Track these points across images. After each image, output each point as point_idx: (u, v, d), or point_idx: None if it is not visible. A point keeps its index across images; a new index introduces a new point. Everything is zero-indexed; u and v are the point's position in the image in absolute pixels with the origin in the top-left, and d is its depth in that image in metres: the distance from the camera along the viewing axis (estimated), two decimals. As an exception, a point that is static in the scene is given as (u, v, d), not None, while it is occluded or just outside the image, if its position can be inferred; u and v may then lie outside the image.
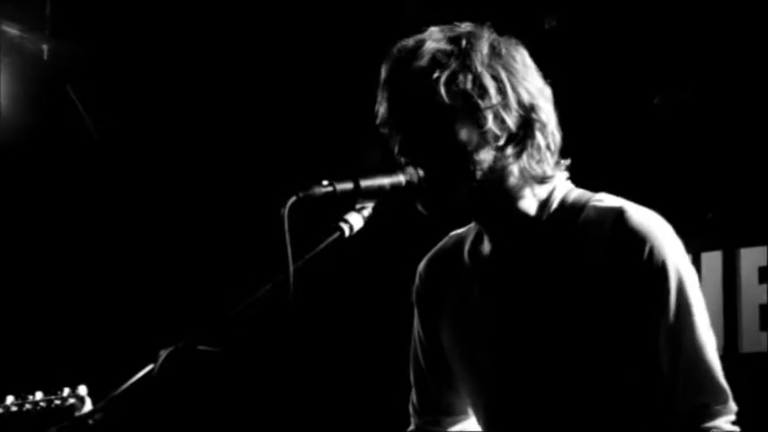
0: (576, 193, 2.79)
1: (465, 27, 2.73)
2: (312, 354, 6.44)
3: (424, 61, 2.64)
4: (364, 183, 2.59)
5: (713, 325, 5.79)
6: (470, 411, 3.05)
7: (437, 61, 2.64)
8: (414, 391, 3.10)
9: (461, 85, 2.63)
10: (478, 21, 2.76)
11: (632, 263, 2.65)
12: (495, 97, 2.64)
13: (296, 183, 2.50)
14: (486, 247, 2.84)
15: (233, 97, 6.68)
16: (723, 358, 5.05)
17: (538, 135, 2.69)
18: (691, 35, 5.48)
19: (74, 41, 6.37)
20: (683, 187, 5.61)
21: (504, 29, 2.77)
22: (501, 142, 2.66)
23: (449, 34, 2.70)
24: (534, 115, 2.68)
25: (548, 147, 2.72)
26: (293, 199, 2.45)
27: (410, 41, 2.70)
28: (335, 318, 6.28)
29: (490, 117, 2.64)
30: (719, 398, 2.70)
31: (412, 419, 3.13)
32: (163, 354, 2.38)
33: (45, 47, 6.33)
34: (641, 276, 2.65)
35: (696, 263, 5.62)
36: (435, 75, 2.63)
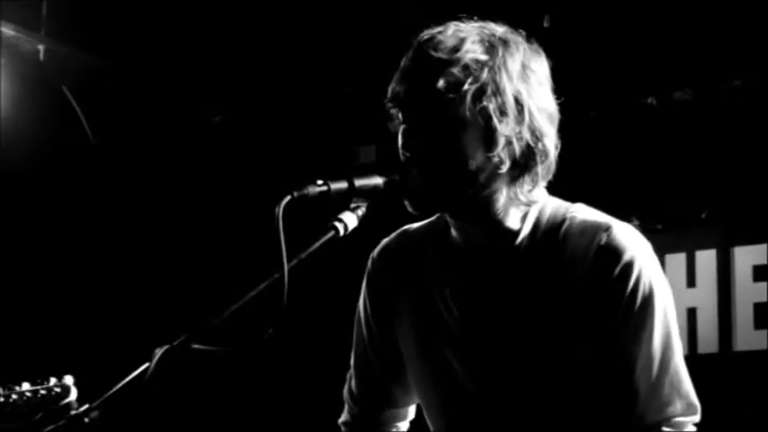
0: (553, 205, 2.77)
1: (501, 33, 2.68)
2: (306, 352, 6.45)
3: (458, 68, 2.60)
4: (359, 182, 2.60)
5: (708, 323, 5.82)
6: (409, 404, 3.03)
7: (470, 72, 2.60)
8: (354, 377, 3.05)
9: (486, 103, 2.60)
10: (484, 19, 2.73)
11: (619, 285, 2.64)
12: (511, 124, 2.62)
13: (291, 182, 2.50)
14: (460, 248, 2.80)
15: (229, 97, 6.68)
16: (717, 357, 5.08)
17: (538, 165, 2.68)
18: (685, 34, 5.48)
19: (71, 42, 6.37)
20: (677, 186, 5.62)
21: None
22: (503, 169, 2.65)
23: (486, 38, 2.65)
24: (540, 145, 2.66)
25: (543, 176, 2.71)
26: (288, 198, 2.46)
27: (447, 38, 2.64)
28: (330, 316, 6.29)
29: (501, 142, 2.62)
30: (688, 410, 2.70)
31: (346, 407, 3.08)
32: (158, 352, 2.39)
33: (41, 47, 6.32)
34: (628, 299, 2.64)
35: (690, 261, 5.64)
36: (465, 87, 2.59)
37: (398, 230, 2.99)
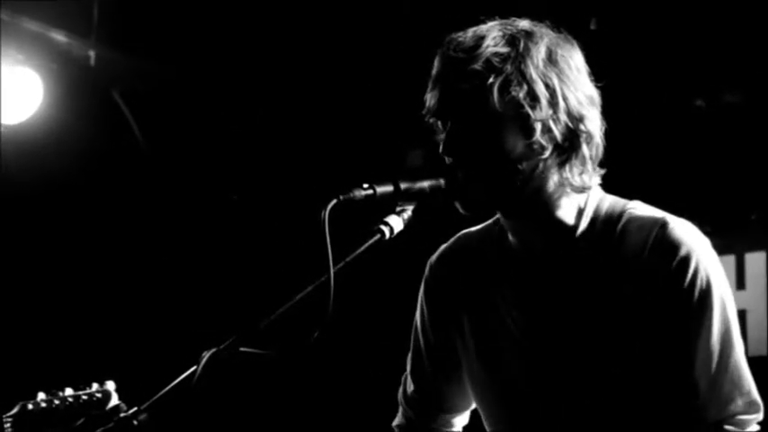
0: (610, 201, 2.77)
1: (524, 25, 2.70)
2: (352, 356, 6.46)
3: (479, 64, 2.62)
4: (404, 185, 2.61)
5: (758, 326, 5.77)
6: (464, 409, 3.04)
7: (492, 65, 2.62)
8: (410, 382, 3.06)
9: (514, 93, 2.61)
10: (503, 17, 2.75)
11: (677, 279, 2.64)
12: (545, 109, 2.62)
13: (336, 186, 2.51)
14: (517, 250, 2.81)
15: (273, 103, 6.71)
16: (767, 359, 4.99)
17: (583, 146, 2.68)
18: (734, 36, 5.45)
19: (121, 48, 6.42)
20: (726, 189, 5.59)
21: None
22: (546, 154, 2.65)
23: (507, 32, 2.67)
24: (582, 126, 2.66)
25: (591, 158, 2.70)
26: (334, 202, 2.48)
27: (468, 38, 2.67)
28: (376, 319, 6.30)
29: (538, 128, 2.62)
30: (750, 409, 2.69)
31: (400, 410, 3.09)
32: (205, 355, 2.40)
33: (92, 53, 6.37)
34: (686, 293, 2.63)
35: (740, 264, 5.60)
36: (489, 81, 2.61)
37: (457, 235, 3.00)
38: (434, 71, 2.71)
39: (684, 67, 5.59)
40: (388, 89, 6.11)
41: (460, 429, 3.10)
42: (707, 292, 2.64)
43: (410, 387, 3.06)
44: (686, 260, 2.64)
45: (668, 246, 2.65)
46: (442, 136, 2.70)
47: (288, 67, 6.48)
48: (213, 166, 6.87)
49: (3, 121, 6.12)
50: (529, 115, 2.62)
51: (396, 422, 3.12)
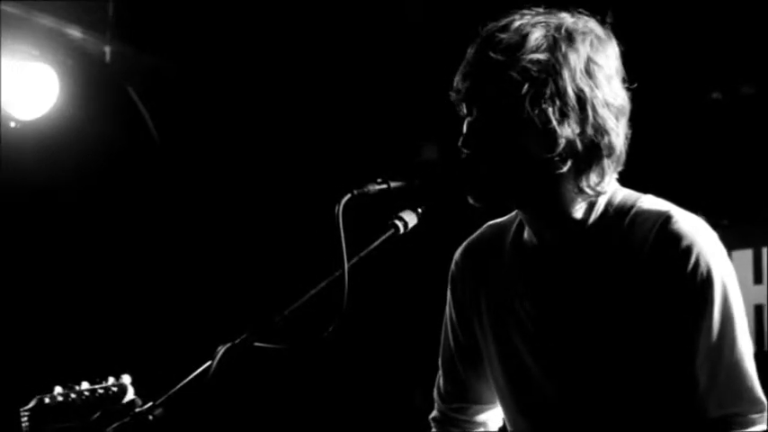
0: (623, 195, 2.76)
1: (567, 24, 2.65)
2: (367, 350, 6.46)
3: (516, 71, 2.58)
4: (418, 180, 2.61)
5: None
6: (494, 402, 3.03)
7: (529, 75, 2.59)
8: (442, 376, 3.08)
9: (545, 107, 2.58)
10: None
11: (677, 270, 2.62)
12: (573, 125, 2.60)
13: (350, 181, 2.51)
14: (531, 243, 2.81)
15: (288, 98, 6.71)
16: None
17: (604, 159, 2.65)
18: (750, 29, 5.43)
19: (136, 44, 6.42)
20: (744, 182, 5.57)
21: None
22: (565, 168, 2.64)
23: (550, 33, 2.62)
24: (606, 140, 2.64)
25: (611, 168, 2.69)
26: (348, 196, 2.48)
27: (510, 35, 2.62)
28: (390, 314, 6.30)
29: (562, 143, 2.61)
30: (755, 407, 2.66)
31: (436, 405, 3.12)
32: (220, 350, 2.41)
33: (107, 49, 6.38)
34: (686, 285, 2.62)
35: (757, 258, 5.58)
36: (524, 90, 2.58)
37: (484, 225, 2.99)
38: (470, 59, 2.67)
39: (701, 59, 5.57)
40: (404, 83, 6.10)
41: (497, 420, 3.10)
42: (707, 286, 2.62)
43: (441, 381, 3.09)
44: (686, 253, 2.62)
45: (670, 238, 2.64)
46: (464, 123, 2.68)
47: (302, 63, 6.48)
48: (228, 161, 6.87)
49: (19, 117, 6.14)
50: (555, 130, 2.60)
51: (431, 415, 3.14)
